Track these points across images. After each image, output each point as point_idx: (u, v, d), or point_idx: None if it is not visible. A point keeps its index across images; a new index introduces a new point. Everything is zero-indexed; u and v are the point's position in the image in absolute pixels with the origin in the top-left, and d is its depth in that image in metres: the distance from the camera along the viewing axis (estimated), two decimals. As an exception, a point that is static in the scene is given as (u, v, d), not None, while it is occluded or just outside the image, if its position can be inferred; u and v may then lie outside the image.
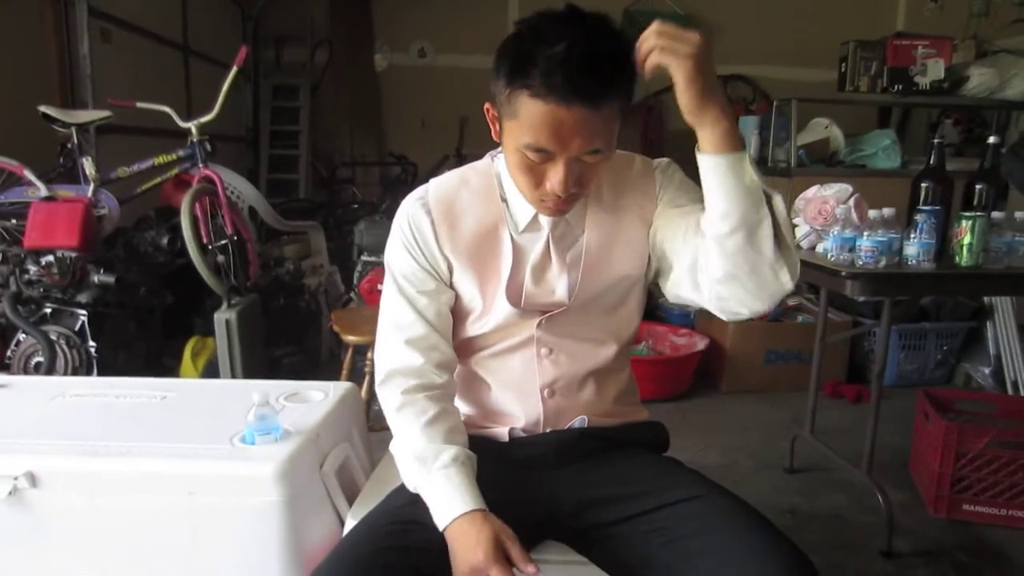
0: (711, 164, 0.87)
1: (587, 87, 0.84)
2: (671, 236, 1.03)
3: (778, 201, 0.89)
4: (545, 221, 1.04)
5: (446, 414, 1.04)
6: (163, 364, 3.01)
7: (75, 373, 2.55)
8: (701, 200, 0.93)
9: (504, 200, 1.06)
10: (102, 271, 2.67)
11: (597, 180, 0.98)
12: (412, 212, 1.06)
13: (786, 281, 0.92)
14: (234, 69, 2.86)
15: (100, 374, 2.57)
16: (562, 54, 0.83)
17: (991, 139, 1.94)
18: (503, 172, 1.05)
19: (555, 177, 0.91)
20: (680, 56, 0.82)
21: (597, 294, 1.07)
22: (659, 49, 0.83)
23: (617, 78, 0.87)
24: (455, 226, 1.05)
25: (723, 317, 0.99)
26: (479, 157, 1.12)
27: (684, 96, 0.84)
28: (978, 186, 1.76)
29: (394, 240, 1.08)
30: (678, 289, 1.03)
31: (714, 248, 0.91)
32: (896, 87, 3.08)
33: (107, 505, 1.16)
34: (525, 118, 0.88)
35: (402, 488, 1.03)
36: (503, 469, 1.05)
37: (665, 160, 1.09)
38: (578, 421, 1.10)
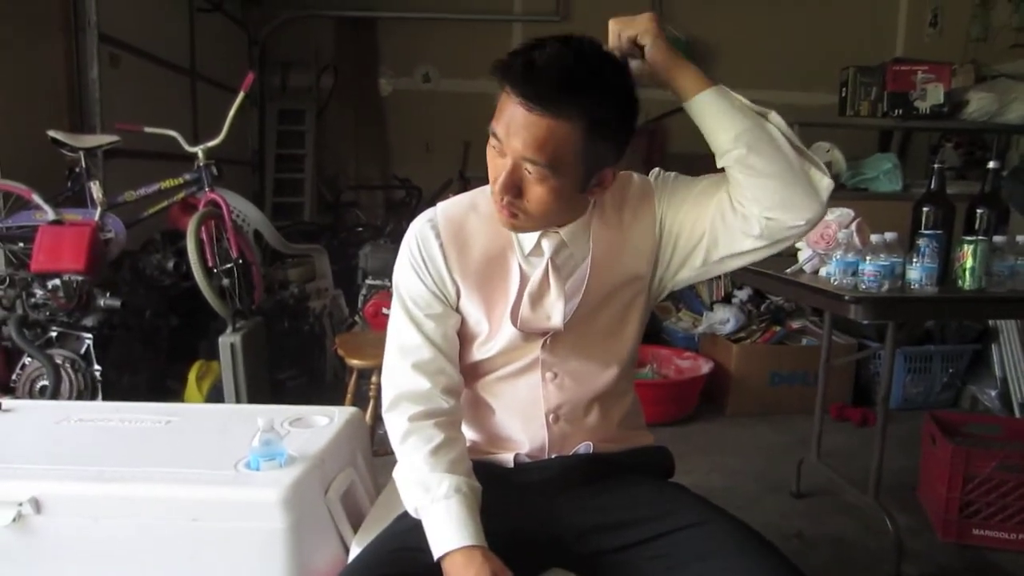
0: (703, 101, 0.96)
1: (536, 90, 0.88)
2: (695, 211, 1.03)
3: (774, 116, 0.96)
4: (547, 247, 1.04)
5: (452, 442, 1.03)
6: (168, 387, 3.01)
7: (80, 397, 2.55)
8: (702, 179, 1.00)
9: None
10: (108, 295, 2.68)
11: (548, 207, 0.96)
12: (421, 234, 1.07)
13: (819, 177, 0.96)
14: (241, 95, 2.89)
15: (105, 397, 2.57)
16: (532, 54, 0.89)
17: (991, 164, 1.96)
18: None
19: (501, 174, 0.94)
20: (640, 23, 0.95)
21: (595, 312, 1.07)
22: (623, 27, 0.95)
23: (569, 96, 0.88)
24: (464, 249, 1.06)
25: (778, 245, 1.00)
26: (483, 181, 1.12)
27: (655, 51, 0.95)
28: (979, 210, 1.77)
29: (402, 261, 1.08)
30: (719, 247, 1.02)
31: (743, 175, 0.95)
32: (896, 111, 3.10)
33: (111, 530, 1.16)
34: (498, 104, 0.93)
35: (407, 514, 1.03)
36: (508, 495, 1.05)
37: (655, 170, 1.10)
38: (583, 447, 1.10)
